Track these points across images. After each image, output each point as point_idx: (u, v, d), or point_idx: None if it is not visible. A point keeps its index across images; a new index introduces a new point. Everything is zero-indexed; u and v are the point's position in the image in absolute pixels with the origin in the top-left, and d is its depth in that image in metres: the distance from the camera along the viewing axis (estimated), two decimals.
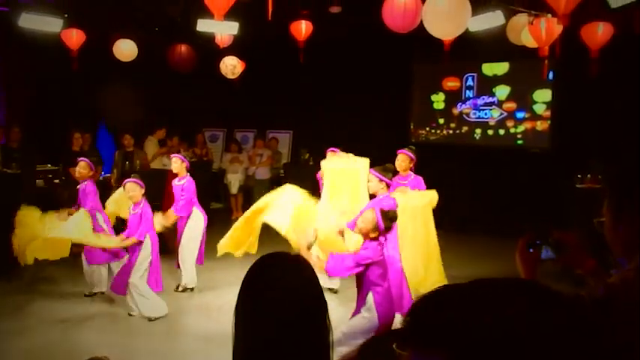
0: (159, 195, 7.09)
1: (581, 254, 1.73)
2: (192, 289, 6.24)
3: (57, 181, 7.92)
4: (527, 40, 5.94)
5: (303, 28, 7.02)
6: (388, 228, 3.79)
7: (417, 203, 5.45)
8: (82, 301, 5.82)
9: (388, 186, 4.94)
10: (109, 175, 8.50)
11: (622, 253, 1.63)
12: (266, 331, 1.26)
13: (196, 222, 6.16)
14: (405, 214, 5.29)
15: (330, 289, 5.89)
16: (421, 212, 5.49)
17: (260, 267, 1.36)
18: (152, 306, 5.30)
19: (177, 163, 6.15)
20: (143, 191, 5.38)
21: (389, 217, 3.78)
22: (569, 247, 1.71)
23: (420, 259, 5.43)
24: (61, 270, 6.44)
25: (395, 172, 5.45)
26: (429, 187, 5.76)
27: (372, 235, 3.75)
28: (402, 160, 5.76)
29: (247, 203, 10.30)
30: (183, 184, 6.09)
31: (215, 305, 5.74)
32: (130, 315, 5.35)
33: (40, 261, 5.46)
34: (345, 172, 5.49)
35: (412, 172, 5.80)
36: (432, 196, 5.57)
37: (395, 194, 5.51)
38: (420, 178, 5.77)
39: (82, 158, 6.00)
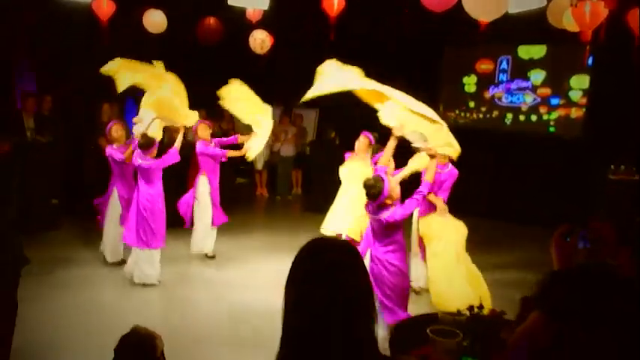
0: (185, 167, 7.13)
1: (615, 245, 1.70)
2: (212, 257, 6.36)
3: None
4: (569, 23, 5.68)
5: (335, 4, 6.87)
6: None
7: (455, 239, 5.08)
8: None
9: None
10: None
11: None
12: (316, 309, 1.28)
13: (203, 189, 6.25)
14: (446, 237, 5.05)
15: None
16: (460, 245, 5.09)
17: (312, 247, 1.39)
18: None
19: (205, 131, 6.40)
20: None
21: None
22: (605, 238, 1.68)
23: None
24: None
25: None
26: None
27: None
28: None
29: (271, 179, 10.34)
30: (212, 146, 6.32)
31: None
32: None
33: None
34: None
35: (450, 164, 5.65)
36: (463, 231, 5.15)
37: (431, 218, 5.28)
38: (456, 172, 5.58)
39: (114, 121, 6.20)
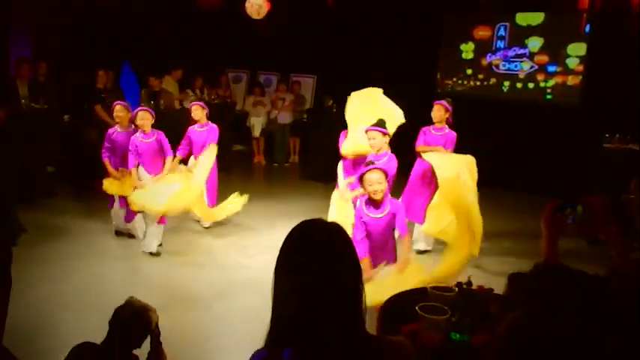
0: (179, 136, 7.14)
1: (605, 221, 1.73)
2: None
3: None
4: None
5: None
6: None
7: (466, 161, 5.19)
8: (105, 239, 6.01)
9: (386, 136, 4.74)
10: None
11: None
12: (302, 295, 1.31)
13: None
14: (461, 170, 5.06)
15: None
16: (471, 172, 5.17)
17: (300, 230, 1.41)
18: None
19: (198, 111, 6.20)
20: (153, 121, 5.59)
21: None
22: (595, 213, 1.71)
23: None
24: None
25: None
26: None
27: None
28: (438, 109, 5.70)
29: (268, 147, 10.38)
30: (206, 130, 6.16)
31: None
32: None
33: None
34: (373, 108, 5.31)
35: (447, 127, 5.72)
36: (471, 159, 5.25)
37: (431, 155, 5.40)
38: (454, 135, 5.66)
39: (118, 102, 5.96)
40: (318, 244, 1.35)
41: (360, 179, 3.78)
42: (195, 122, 6.28)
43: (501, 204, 7.72)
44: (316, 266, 1.32)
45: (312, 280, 1.31)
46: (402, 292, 2.91)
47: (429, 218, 5.50)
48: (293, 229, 1.41)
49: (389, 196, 3.83)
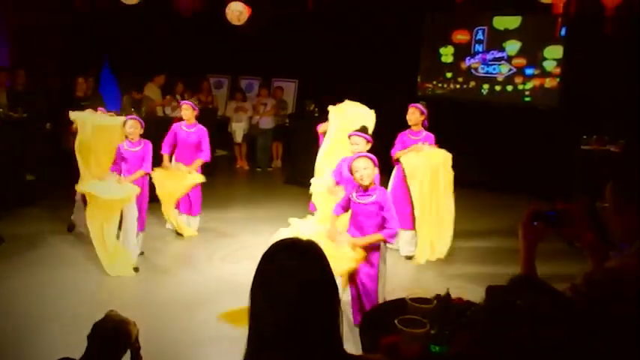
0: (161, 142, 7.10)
1: (581, 227, 1.75)
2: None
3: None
4: None
5: None
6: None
7: (438, 161, 5.51)
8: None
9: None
10: None
11: (623, 238, 1.65)
12: (279, 316, 1.32)
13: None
14: (427, 173, 5.43)
15: None
16: (443, 172, 5.53)
17: (272, 254, 1.41)
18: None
19: (188, 110, 6.17)
20: (142, 131, 5.51)
21: None
22: (571, 220, 1.73)
23: (438, 227, 5.58)
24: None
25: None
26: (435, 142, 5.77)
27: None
28: (412, 112, 5.76)
29: (251, 152, 10.36)
30: (195, 131, 6.16)
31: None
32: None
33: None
34: (355, 115, 5.45)
35: (424, 129, 5.79)
36: (445, 155, 5.60)
37: (410, 154, 5.56)
38: (432, 136, 5.76)
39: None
40: (292, 266, 1.36)
41: (349, 168, 4.00)
42: (179, 120, 6.26)
43: (482, 205, 7.82)
44: (292, 287, 1.33)
45: (288, 302, 1.32)
46: (381, 305, 2.90)
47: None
48: (268, 250, 1.42)
49: (378, 184, 4.05)
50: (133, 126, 5.47)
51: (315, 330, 1.31)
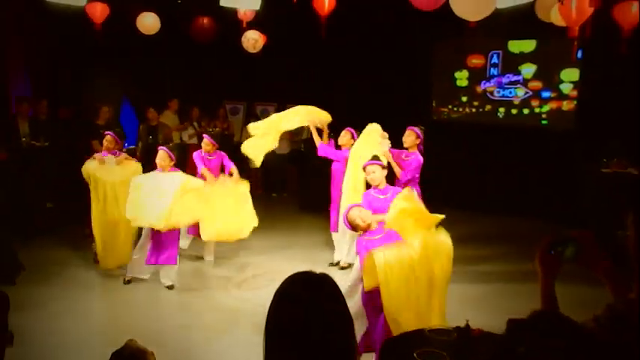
0: (180, 168, 7.17)
1: (596, 255, 1.69)
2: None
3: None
4: (557, 19, 5.76)
5: (326, 3, 6.91)
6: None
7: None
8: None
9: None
10: (133, 147, 8.62)
11: None
12: (294, 350, 1.31)
13: None
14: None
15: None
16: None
17: (287, 290, 1.41)
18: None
19: (208, 146, 6.50)
20: (172, 163, 5.66)
21: None
22: (586, 248, 1.67)
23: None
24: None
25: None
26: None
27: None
28: (409, 135, 5.80)
29: (266, 178, 10.38)
30: (216, 157, 6.55)
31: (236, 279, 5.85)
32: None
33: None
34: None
35: (418, 152, 5.76)
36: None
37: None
38: (419, 160, 5.65)
39: (107, 132, 6.10)
40: (306, 301, 1.35)
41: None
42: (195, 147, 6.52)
43: (502, 229, 7.72)
44: (306, 322, 1.31)
45: (303, 339, 1.30)
46: (400, 336, 2.83)
47: None
48: (282, 285, 1.41)
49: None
50: (162, 157, 5.58)
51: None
